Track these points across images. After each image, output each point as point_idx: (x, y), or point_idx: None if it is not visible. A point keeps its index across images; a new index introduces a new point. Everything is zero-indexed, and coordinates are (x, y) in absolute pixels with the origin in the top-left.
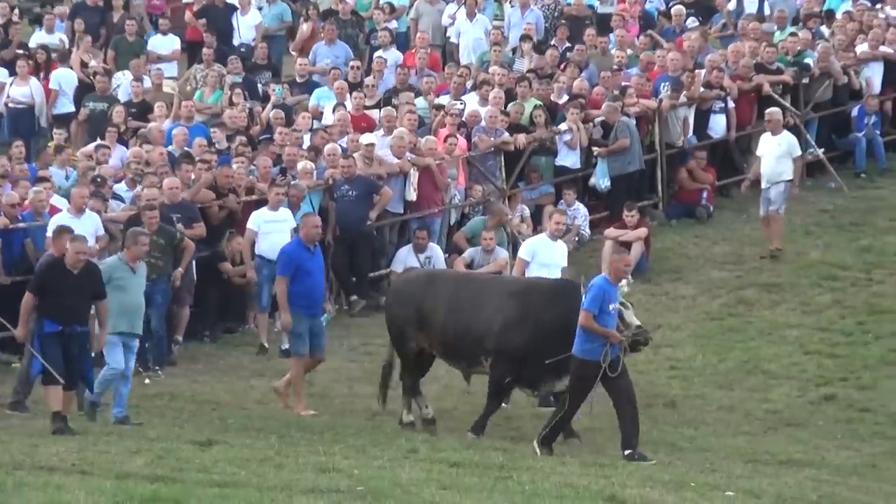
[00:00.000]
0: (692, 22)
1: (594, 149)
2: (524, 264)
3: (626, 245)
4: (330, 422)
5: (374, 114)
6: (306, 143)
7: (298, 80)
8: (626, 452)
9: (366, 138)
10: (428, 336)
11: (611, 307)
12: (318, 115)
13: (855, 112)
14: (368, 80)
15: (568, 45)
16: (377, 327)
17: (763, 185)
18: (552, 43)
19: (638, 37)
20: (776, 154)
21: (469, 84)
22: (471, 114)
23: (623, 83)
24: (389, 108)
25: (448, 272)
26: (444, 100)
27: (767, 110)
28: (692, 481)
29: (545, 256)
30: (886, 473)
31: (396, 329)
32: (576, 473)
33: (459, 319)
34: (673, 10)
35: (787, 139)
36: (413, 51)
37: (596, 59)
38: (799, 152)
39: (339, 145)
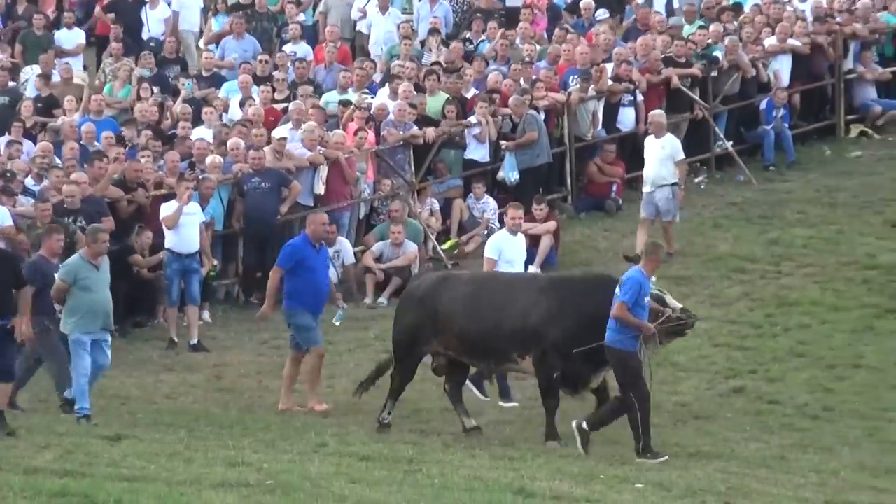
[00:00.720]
0: (602, 14)
1: (502, 142)
2: (493, 263)
3: (536, 238)
4: (239, 416)
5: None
6: (207, 136)
7: (205, 73)
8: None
9: (278, 132)
10: (445, 339)
11: (645, 300)
12: (226, 109)
13: (763, 105)
14: (279, 75)
15: (482, 38)
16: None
17: (646, 189)
18: (466, 36)
19: (546, 30)
20: (659, 157)
21: (378, 78)
22: (378, 107)
23: (532, 76)
24: (298, 101)
25: (462, 273)
26: (352, 94)
27: (651, 112)
28: (602, 474)
29: (509, 252)
30: (795, 465)
31: (407, 334)
32: (485, 466)
33: (484, 318)
34: (582, 4)
35: (671, 142)
36: (322, 45)
37: (508, 52)
38: (682, 156)
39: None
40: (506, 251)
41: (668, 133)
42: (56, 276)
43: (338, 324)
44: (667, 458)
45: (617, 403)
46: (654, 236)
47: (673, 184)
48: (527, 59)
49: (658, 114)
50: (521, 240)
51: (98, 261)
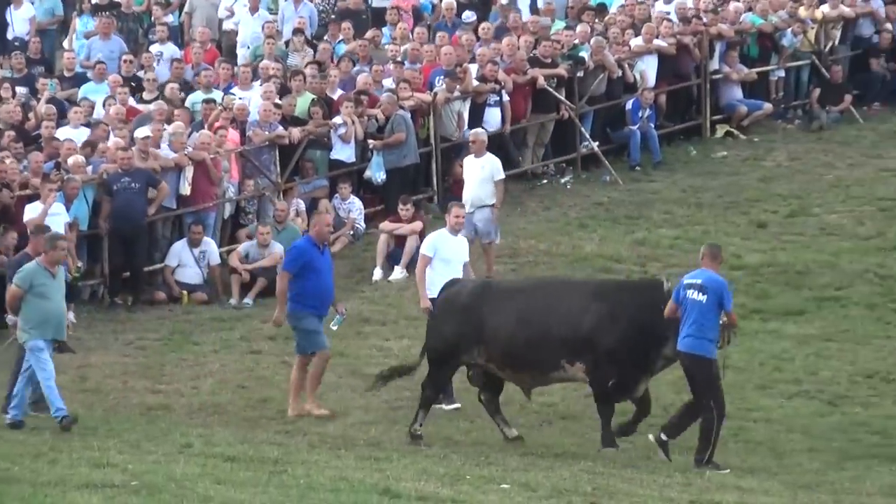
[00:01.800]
0: (468, 16)
1: (370, 142)
2: (427, 260)
3: (402, 238)
4: (104, 417)
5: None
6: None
7: (66, 73)
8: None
9: (141, 132)
10: (488, 349)
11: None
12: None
13: (629, 105)
14: (149, 75)
15: (340, 39)
16: (152, 322)
17: (467, 210)
18: (327, 38)
19: (412, 30)
20: (479, 177)
21: (244, 77)
22: (239, 107)
23: (398, 76)
24: (160, 101)
25: (502, 282)
26: (216, 94)
27: (471, 132)
28: (468, 474)
29: (447, 251)
30: (661, 465)
31: (447, 343)
32: (351, 467)
33: (533, 327)
34: (444, 4)
35: (491, 162)
36: (191, 45)
37: (372, 53)
38: (501, 176)
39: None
40: (442, 250)
41: (489, 153)
42: (13, 281)
43: (335, 328)
44: (728, 471)
45: (691, 407)
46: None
47: (492, 205)
48: (399, 60)
49: (479, 132)
50: (462, 240)
51: (55, 268)
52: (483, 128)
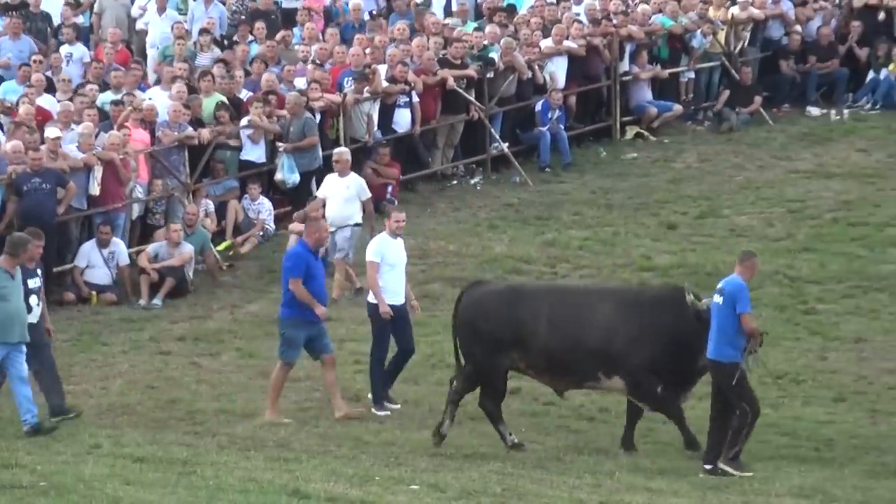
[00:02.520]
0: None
1: (279, 144)
2: (376, 266)
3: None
4: (12, 417)
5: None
6: None
7: None
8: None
9: (51, 132)
10: (525, 354)
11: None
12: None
13: (539, 106)
14: (62, 76)
15: (251, 39)
16: (60, 322)
17: (331, 229)
18: (236, 38)
19: (322, 32)
20: (344, 196)
21: (153, 78)
22: (148, 108)
23: (306, 77)
24: (67, 102)
25: (529, 284)
26: (137, 94)
27: (335, 150)
28: (377, 475)
29: (392, 256)
30: (570, 466)
31: (488, 349)
32: (260, 468)
33: (566, 334)
34: (351, 5)
35: (356, 181)
36: (102, 45)
37: (282, 54)
38: (367, 195)
39: None
40: (388, 255)
41: (353, 172)
42: None
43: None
44: (751, 475)
45: (716, 422)
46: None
47: (356, 224)
48: (317, 61)
49: (342, 152)
50: (401, 243)
51: (14, 270)
52: (393, 129)
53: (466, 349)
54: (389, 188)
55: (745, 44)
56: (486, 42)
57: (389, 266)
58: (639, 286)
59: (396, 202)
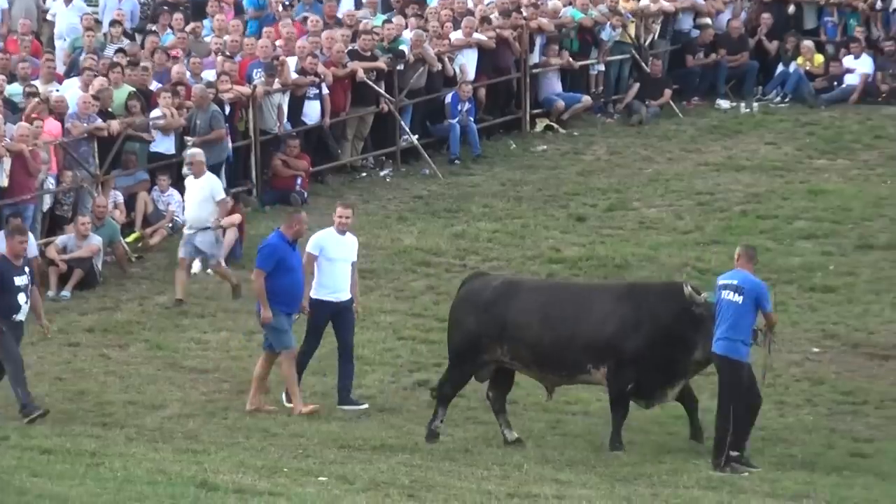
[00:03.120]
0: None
1: (187, 138)
2: (313, 258)
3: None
4: None
5: None
6: None
7: None
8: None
9: None
10: (514, 348)
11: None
12: None
13: (449, 99)
14: None
15: (168, 31)
16: None
17: (186, 230)
18: (152, 29)
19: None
20: (200, 198)
21: (62, 69)
22: (56, 99)
23: (216, 69)
24: None
25: (525, 279)
26: (39, 86)
27: (188, 152)
28: (285, 467)
29: (332, 251)
30: (479, 458)
31: (467, 341)
32: (168, 459)
33: (559, 327)
34: None
35: (211, 182)
36: (14, 37)
37: (192, 45)
38: (222, 195)
39: None
40: (328, 249)
41: (209, 173)
42: None
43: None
44: (746, 474)
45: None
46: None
47: (216, 226)
48: (227, 53)
49: (196, 153)
50: (350, 239)
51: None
52: (303, 121)
53: (452, 340)
54: (299, 180)
55: (656, 36)
56: (395, 34)
57: (328, 260)
58: (633, 281)
59: (306, 194)
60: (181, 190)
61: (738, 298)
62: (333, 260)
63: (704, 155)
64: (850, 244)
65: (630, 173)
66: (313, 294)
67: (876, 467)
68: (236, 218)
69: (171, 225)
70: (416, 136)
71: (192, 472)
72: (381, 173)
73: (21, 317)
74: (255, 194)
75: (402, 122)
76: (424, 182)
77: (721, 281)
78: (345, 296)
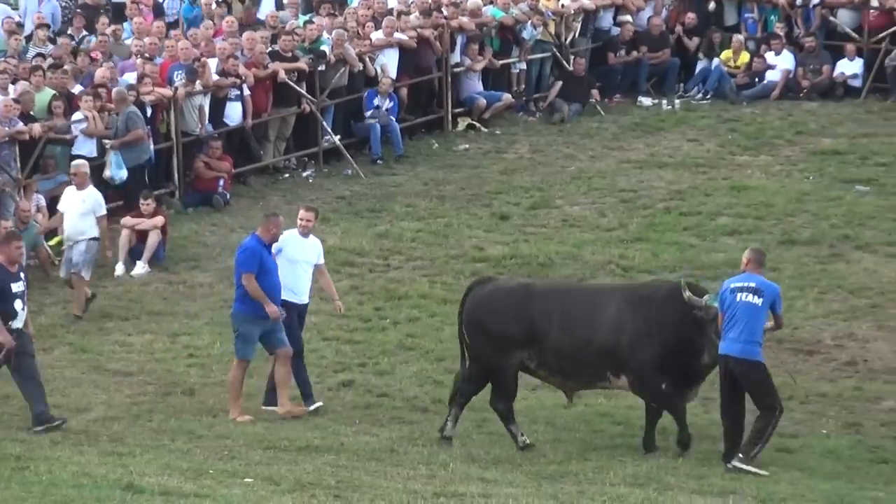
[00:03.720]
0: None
1: (105, 141)
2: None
3: (144, 234)
4: None
5: None
6: None
7: None
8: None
9: None
10: (537, 353)
11: None
12: None
13: (370, 98)
14: None
15: (85, 33)
16: None
17: (66, 243)
18: (69, 32)
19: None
20: (80, 211)
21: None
22: None
23: (137, 72)
24: None
25: (538, 283)
26: None
27: (73, 163)
28: (211, 468)
29: (292, 252)
30: (405, 457)
31: (494, 346)
32: (94, 462)
33: (576, 333)
34: None
35: (93, 195)
36: None
37: (112, 48)
38: (103, 211)
39: None
40: (288, 250)
41: (91, 186)
42: None
43: None
44: (766, 474)
45: (757, 421)
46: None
47: (92, 238)
48: (147, 56)
49: (79, 164)
50: (313, 242)
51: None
52: (224, 122)
53: (475, 349)
54: (221, 182)
55: (576, 34)
56: (316, 35)
57: (289, 261)
58: (642, 283)
59: (228, 195)
60: (104, 193)
61: (758, 301)
62: (295, 261)
63: (627, 152)
64: (773, 240)
65: (553, 171)
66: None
67: (801, 462)
68: (159, 220)
69: None
70: (338, 137)
71: (117, 475)
72: (304, 174)
73: (19, 324)
74: (177, 196)
75: (324, 123)
76: (347, 182)
77: (734, 284)
78: (302, 298)
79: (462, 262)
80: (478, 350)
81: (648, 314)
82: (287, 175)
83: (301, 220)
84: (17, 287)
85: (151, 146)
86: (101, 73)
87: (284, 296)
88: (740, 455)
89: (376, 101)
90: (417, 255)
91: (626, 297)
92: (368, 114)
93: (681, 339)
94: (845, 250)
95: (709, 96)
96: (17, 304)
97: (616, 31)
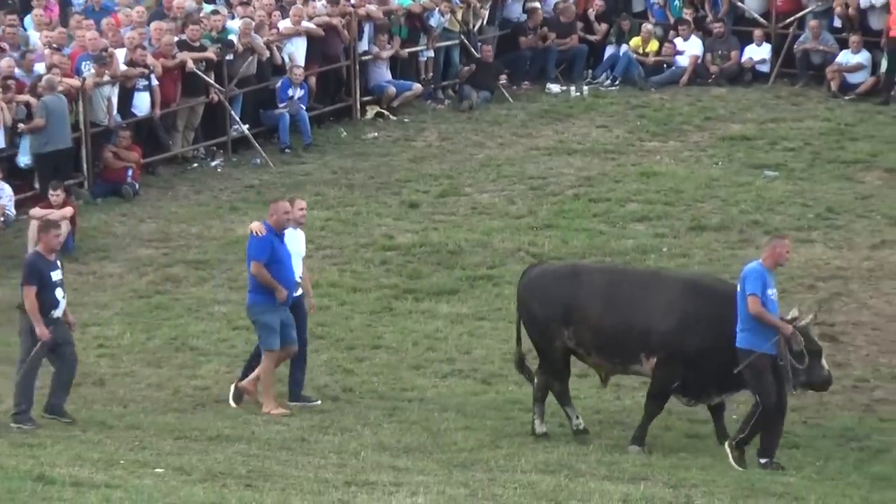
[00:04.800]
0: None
1: (20, 126)
2: None
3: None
4: None
5: None
6: None
7: None
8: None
9: None
10: (577, 333)
11: (769, 293)
12: None
13: (279, 87)
14: None
15: None
16: None
17: None
18: None
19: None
20: None
21: None
22: None
23: (45, 62)
24: None
25: (591, 265)
26: None
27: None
28: (122, 459)
29: (288, 244)
30: (316, 446)
31: (538, 327)
32: (4, 454)
33: (620, 315)
34: None
35: None
36: None
37: (20, 39)
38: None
39: None
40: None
41: None
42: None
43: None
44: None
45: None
46: None
47: None
48: (55, 46)
49: None
50: (300, 234)
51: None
52: (133, 112)
53: (528, 332)
54: (130, 172)
55: (484, 22)
56: (224, 24)
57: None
58: (705, 274)
59: (137, 185)
60: (13, 184)
61: (739, 288)
62: (288, 254)
63: (536, 139)
64: (682, 226)
65: (462, 159)
66: None
67: (712, 448)
68: (68, 211)
69: (2, 219)
70: (247, 126)
71: (28, 466)
72: (213, 163)
73: (59, 313)
74: (86, 186)
75: (233, 112)
76: (256, 171)
77: None
78: (297, 291)
79: (371, 251)
80: (529, 333)
81: (703, 306)
82: (196, 165)
83: (300, 209)
84: (56, 276)
85: (67, 135)
86: (8, 64)
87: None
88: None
89: (290, 91)
90: (327, 243)
91: (680, 283)
92: (283, 105)
93: (722, 335)
94: (754, 236)
95: (617, 83)
96: (59, 293)
97: (524, 18)
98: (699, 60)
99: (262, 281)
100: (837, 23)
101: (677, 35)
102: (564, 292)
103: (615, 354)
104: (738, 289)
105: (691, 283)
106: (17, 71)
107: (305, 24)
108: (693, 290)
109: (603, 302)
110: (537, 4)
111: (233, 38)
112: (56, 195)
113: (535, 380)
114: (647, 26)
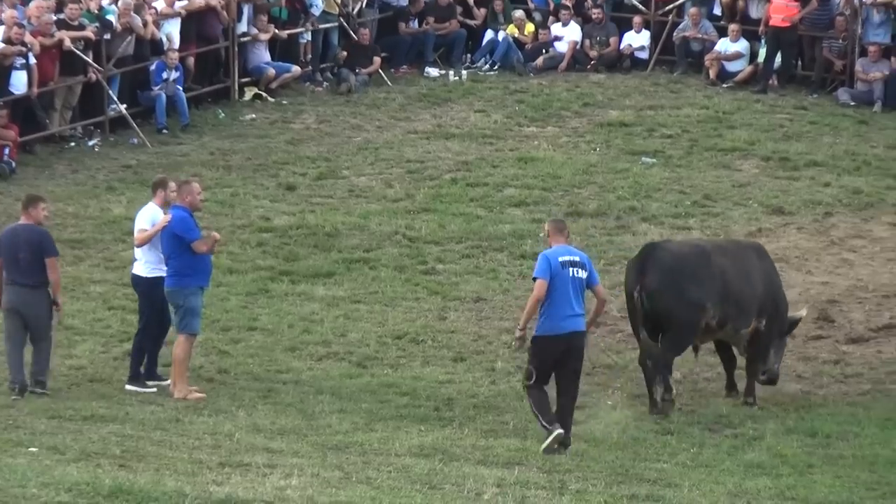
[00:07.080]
0: None
1: None
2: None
3: None
4: None
5: None
6: None
7: None
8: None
9: None
10: (723, 309)
11: None
12: None
13: (156, 68)
14: None
15: None
16: None
17: None
18: None
19: None
20: None
21: None
22: None
23: None
24: None
25: (704, 241)
26: None
27: None
28: None
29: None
30: (190, 427)
31: (696, 308)
32: None
33: (746, 284)
34: None
35: None
36: None
37: None
38: None
39: None
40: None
41: None
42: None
43: None
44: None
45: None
46: None
47: None
48: None
49: None
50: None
51: None
52: (10, 91)
53: (668, 313)
54: (6, 150)
55: (363, 5)
56: (103, 3)
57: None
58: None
59: (14, 164)
60: None
61: (584, 274)
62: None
63: (414, 123)
64: (559, 211)
65: (340, 142)
66: (140, 272)
67: (586, 433)
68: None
69: None
70: (125, 106)
71: None
72: (90, 143)
73: None
74: None
75: (111, 92)
76: (133, 151)
77: (561, 258)
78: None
79: (248, 233)
80: (670, 314)
81: (769, 265)
82: (73, 144)
83: (198, 194)
84: None
85: None
86: None
87: (159, 272)
88: None
89: (164, 74)
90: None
91: (756, 250)
92: (157, 88)
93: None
94: (631, 222)
95: (496, 67)
96: None
97: (404, 2)
98: (578, 46)
99: (207, 252)
100: (718, 10)
101: (557, 20)
102: (713, 271)
103: (741, 325)
104: (582, 276)
105: (757, 247)
106: None
107: (180, 4)
108: (761, 253)
109: (737, 275)
110: None
111: (111, 17)
112: None
113: (655, 360)
114: (518, 13)
